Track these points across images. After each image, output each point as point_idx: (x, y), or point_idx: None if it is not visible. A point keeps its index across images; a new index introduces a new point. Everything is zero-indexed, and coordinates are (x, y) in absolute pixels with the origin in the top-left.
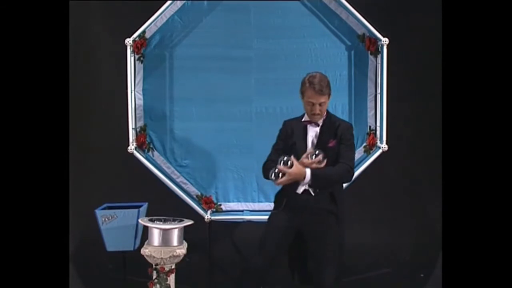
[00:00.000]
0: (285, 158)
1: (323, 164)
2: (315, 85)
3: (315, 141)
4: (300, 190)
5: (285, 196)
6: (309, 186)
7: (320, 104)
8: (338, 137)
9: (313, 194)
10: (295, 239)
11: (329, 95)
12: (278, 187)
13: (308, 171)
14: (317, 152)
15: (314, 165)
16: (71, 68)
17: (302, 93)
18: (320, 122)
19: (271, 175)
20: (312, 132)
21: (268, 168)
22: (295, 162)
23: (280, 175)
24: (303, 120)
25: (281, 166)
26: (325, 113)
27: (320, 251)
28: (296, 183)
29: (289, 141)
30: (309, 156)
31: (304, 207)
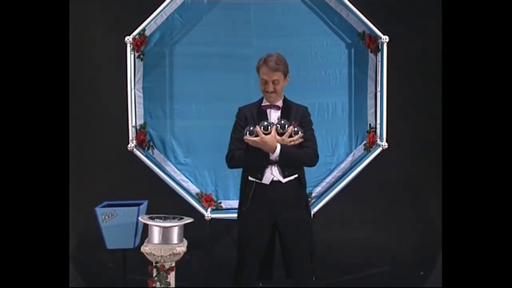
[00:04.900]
0: (266, 123)
1: (298, 136)
2: (269, 62)
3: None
4: (268, 180)
5: (250, 192)
6: (276, 163)
7: (273, 82)
8: (298, 121)
9: (283, 181)
10: (271, 232)
11: (285, 74)
12: None
13: (279, 145)
14: (282, 121)
15: (287, 139)
16: (71, 66)
17: (258, 71)
18: (280, 104)
19: (246, 132)
20: (274, 116)
21: (237, 156)
22: (274, 132)
23: (254, 136)
24: (262, 104)
25: (258, 128)
26: (282, 96)
27: (297, 243)
28: (260, 173)
29: (253, 125)
30: (278, 128)
31: (276, 198)
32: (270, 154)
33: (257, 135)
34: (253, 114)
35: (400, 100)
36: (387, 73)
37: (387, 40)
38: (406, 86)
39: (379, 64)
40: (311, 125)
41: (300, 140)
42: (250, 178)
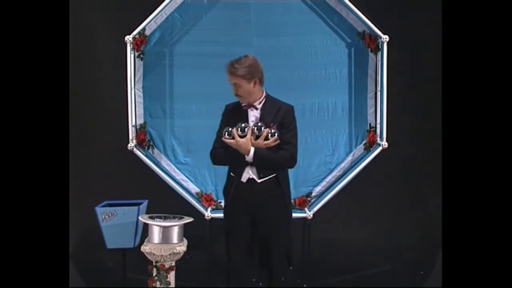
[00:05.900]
0: (243, 124)
1: (273, 139)
2: (229, 65)
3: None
4: (245, 179)
5: (231, 188)
6: (251, 164)
7: (235, 85)
8: (279, 121)
9: (258, 181)
10: (252, 226)
11: (247, 79)
12: None
13: (252, 149)
14: (259, 124)
15: (262, 143)
16: (71, 65)
17: None
18: (259, 105)
19: (224, 133)
20: (253, 117)
21: (218, 154)
22: (249, 135)
23: (231, 138)
24: (243, 104)
25: (235, 130)
26: (259, 96)
27: (270, 237)
28: (239, 172)
29: (232, 126)
30: (254, 131)
31: (252, 194)
32: (246, 156)
33: (233, 137)
34: (235, 113)
35: (400, 100)
36: (387, 72)
37: (387, 39)
38: (406, 86)
39: (379, 63)
40: (294, 126)
41: (276, 142)
42: (232, 175)
